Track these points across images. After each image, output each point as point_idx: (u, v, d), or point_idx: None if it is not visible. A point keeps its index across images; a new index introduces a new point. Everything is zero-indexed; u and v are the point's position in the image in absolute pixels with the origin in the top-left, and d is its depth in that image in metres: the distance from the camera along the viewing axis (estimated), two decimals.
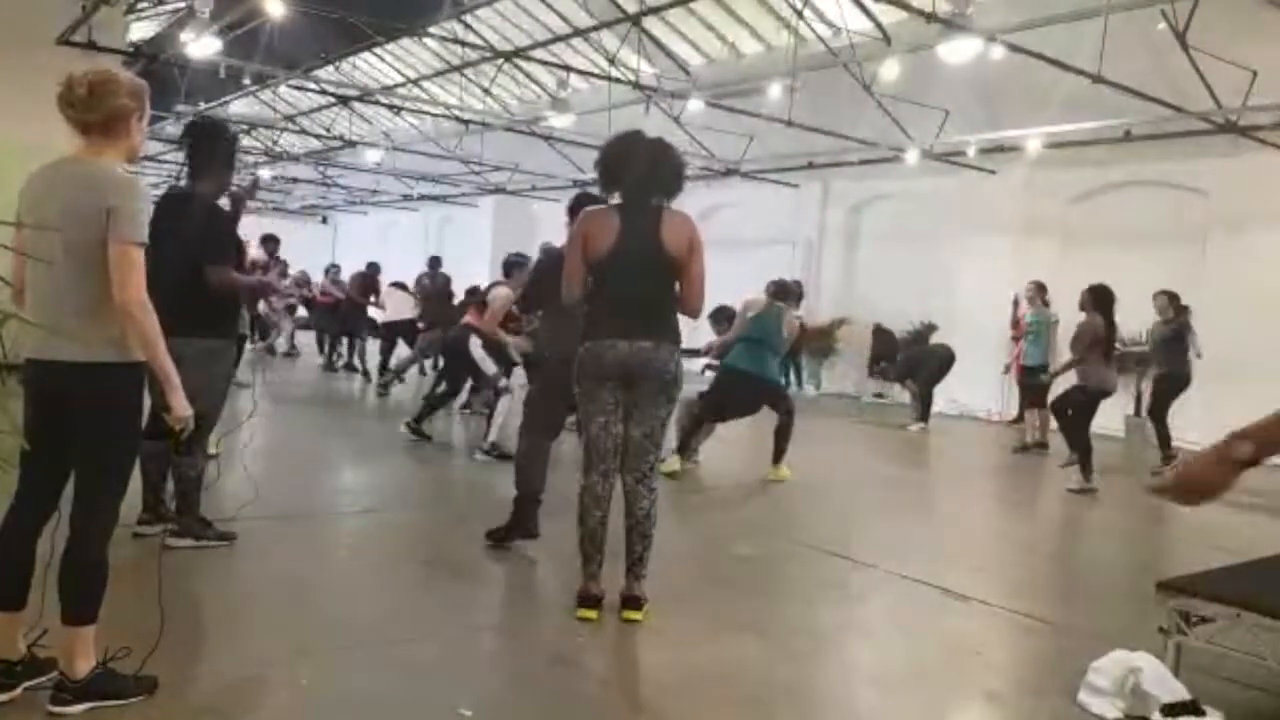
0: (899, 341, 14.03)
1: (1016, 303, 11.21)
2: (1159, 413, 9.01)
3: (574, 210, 4.88)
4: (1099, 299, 7.78)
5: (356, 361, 13.59)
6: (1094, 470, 7.70)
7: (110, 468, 2.71)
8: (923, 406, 11.48)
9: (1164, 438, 8.94)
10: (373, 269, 13.97)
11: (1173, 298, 8.97)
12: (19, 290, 2.70)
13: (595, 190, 4.19)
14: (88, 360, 2.61)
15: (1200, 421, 9.54)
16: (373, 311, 13.41)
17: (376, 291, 13.51)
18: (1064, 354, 10.02)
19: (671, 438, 7.05)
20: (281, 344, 15.63)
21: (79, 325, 2.59)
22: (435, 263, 13.50)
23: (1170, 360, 8.95)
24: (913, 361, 11.99)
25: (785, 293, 7.66)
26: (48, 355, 2.62)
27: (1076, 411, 7.83)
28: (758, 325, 7.22)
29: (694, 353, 7.36)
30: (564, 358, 4.63)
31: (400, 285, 13.24)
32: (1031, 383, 10.14)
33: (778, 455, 7.21)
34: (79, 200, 2.59)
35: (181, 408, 2.73)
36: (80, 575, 2.65)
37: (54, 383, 2.63)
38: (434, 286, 12.50)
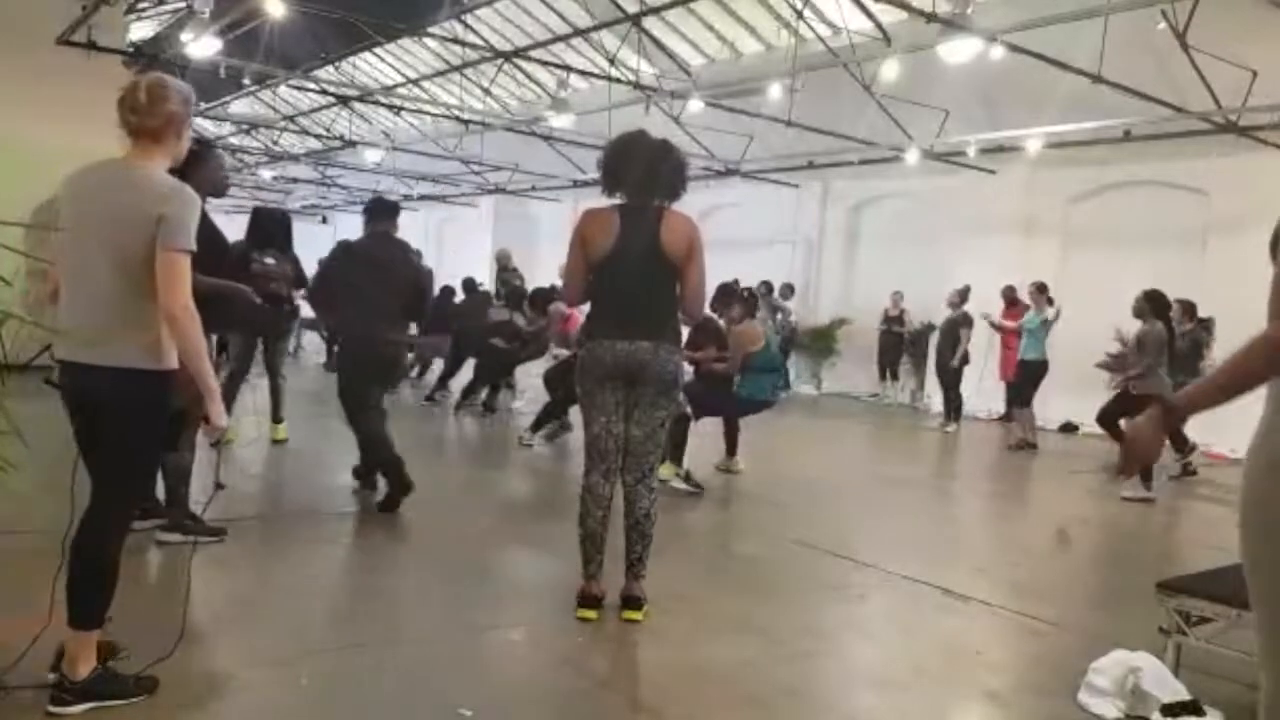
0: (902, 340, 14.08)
1: (1014, 301, 11.23)
2: (1176, 440, 8.86)
3: (369, 212, 5.76)
4: (1157, 305, 7.61)
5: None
6: (1153, 479, 7.54)
7: (132, 473, 2.73)
8: (947, 406, 11.52)
9: (1180, 442, 8.86)
10: None
11: (1187, 308, 8.84)
12: (53, 290, 2.70)
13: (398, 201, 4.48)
14: (121, 366, 2.60)
15: (1199, 422, 9.51)
16: None
17: None
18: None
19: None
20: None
21: (118, 329, 2.59)
22: (417, 255, 13.59)
23: (1185, 372, 8.82)
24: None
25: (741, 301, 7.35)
26: (82, 359, 2.62)
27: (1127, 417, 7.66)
28: (767, 357, 7.11)
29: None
30: (356, 337, 5.47)
31: None
32: (1026, 380, 10.22)
33: (734, 448, 7.37)
34: (128, 204, 2.59)
35: (219, 417, 2.73)
36: (89, 579, 2.65)
37: (86, 386, 2.63)
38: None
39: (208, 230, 4.26)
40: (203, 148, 4.29)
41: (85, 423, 2.68)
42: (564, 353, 9.06)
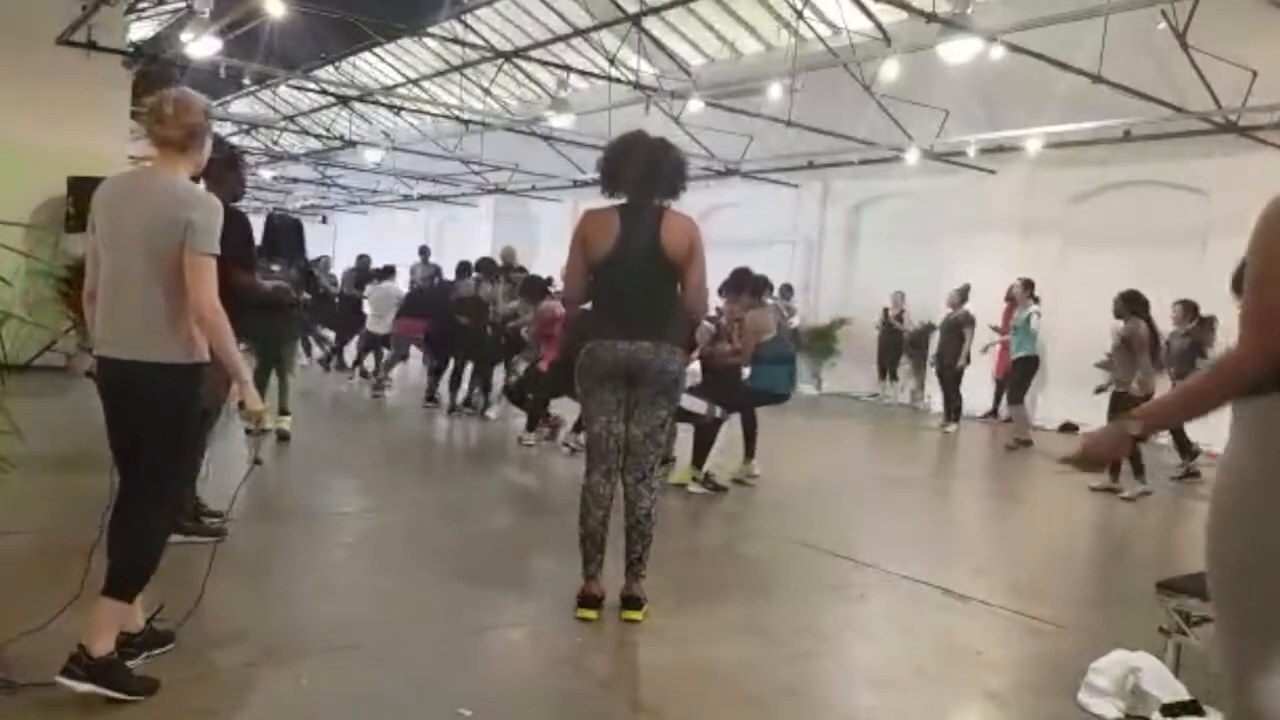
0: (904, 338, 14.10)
1: (1011, 300, 11.23)
2: (1180, 441, 8.83)
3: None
4: (1135, 305, 7.68)
5: (346, 360, 13.07)
6: (1145, 473, 7.63)
7: (172, 457, 2.90)
8: (947, 407, 11.52)
9: (1182, 445, 8.83)
10: (363, 262, 13.60)
11: (1189, 307, 8.83)
12: (90, 291, 2.89)
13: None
14: (158, 360, 2.77)
15: (1199, 422, 9.54)
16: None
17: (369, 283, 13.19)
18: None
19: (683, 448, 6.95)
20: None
21: (154, 326, 2.77)
22: (425, 252, 13.60)
23: (1187, 373, 8.79)
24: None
25: (756, 289, 7.09)
26: (121, 354, 2.79)
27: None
28: (778, 346, 6.88)
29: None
30: None
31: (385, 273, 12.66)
32: (1019, 377, 10.25)
33: (753, 450, 7.07)
34: (159, 210, 2.77)
35: (254, 401, 2.94)
36: (131, 551, 2.80)
37: (126, 380, 2.80)
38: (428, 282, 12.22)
39: (243, 233, 4.33)
40: (229, 154, 4.38)
41: (124, 416, 2.84)
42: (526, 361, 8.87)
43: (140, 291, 2.76)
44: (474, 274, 10.19)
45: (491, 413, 9.72)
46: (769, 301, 7.16)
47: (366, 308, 12.61)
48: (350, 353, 13.34)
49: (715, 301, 7.02)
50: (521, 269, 10.78)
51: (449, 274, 13.82)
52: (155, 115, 2.84)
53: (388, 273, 12.39)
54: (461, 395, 9.89)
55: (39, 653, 2.81)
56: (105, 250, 2.81)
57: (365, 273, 13.38)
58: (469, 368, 10.02)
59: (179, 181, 2.83)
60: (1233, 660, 1.97)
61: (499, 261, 10.76)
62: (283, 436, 7.37)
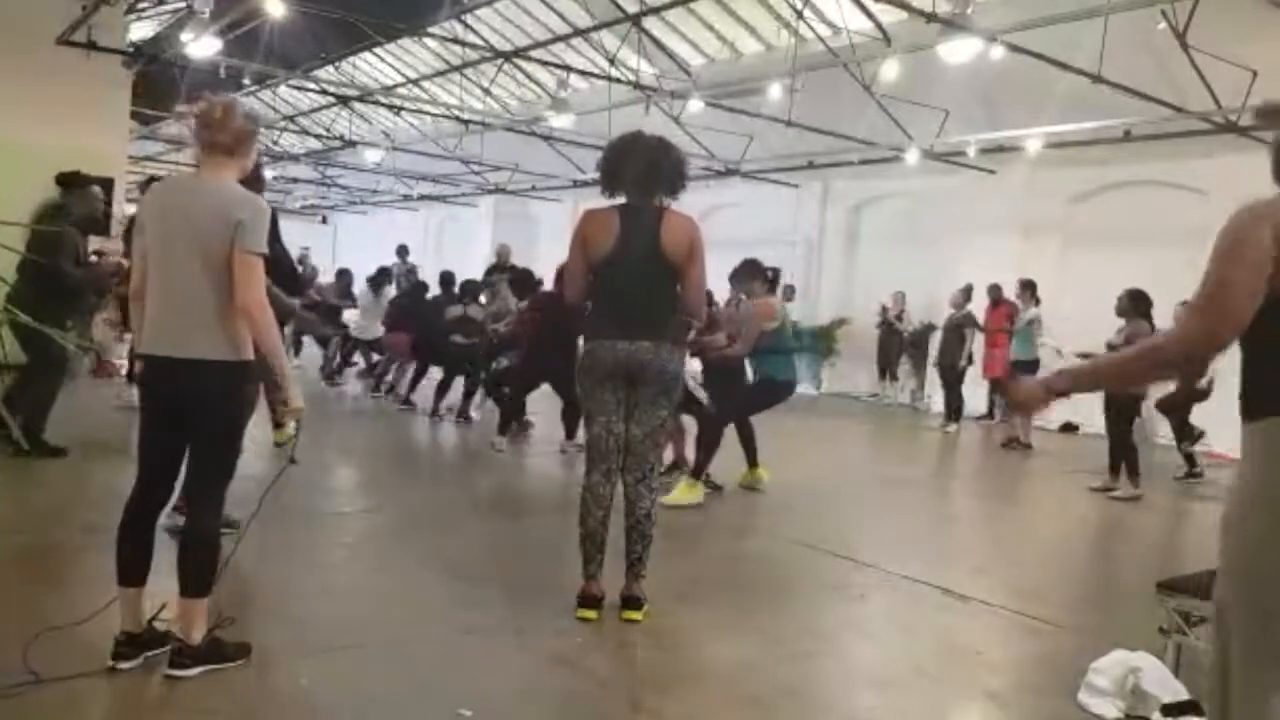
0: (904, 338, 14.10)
1: (997, 302, 11.21)
2: (1182, 430, 8.78)
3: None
4: (1141, 304, 7.65)
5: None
6: (1140, 475, 7.60)
7: (225, 454, 3.02)
8: (948, 407, 11.50)
9: (1189, 454, 8.75)
10: (346, 278, 13.11)
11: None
12: (136, 291, 2.97)
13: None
14: (209, 358, 2.85)
15: (1200, 422, 9.55)
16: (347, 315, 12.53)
17: (352, 296, 12.73)
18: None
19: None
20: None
21: (205, 325, 2.86)
22: (403, 251, 13.36)
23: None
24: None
25: (764, 277, 6.81)
26: (172, 353, 2.87)
27: (1121, 415, 7.61)
28: (782, 335, 6.69)
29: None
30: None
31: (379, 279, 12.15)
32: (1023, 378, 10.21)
33: (754, 455, 6.85)
34: (210, 211, 2.85)
35: (297, 399, 3.03)
36: (199, 551, 2.95)
37: (174, 377, 2.89)
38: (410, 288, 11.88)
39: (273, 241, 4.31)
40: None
41: (171, 415, 2.93)
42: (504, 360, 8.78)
43: (191, 291, 2.84)
44: (461, 299, 10.01)
45: (475, 413, 9.58)
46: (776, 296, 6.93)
47: (348, 316, 12.28)
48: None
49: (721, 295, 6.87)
50: (511, 268, 10.69)
51: (422, 275, 13.55)
52: (204, 120, 2.92)
53: (381, 277, 12.03)
54: (455, 402, 9.79)
55: (60, 648, 2.85)
56: (155, 252, 2.89)
57: (348, 288, 12.93)
58: (460, 377, 9.85)
59: (227, 184, 2.92)
60: (1241, 676, 1.93)
61: (494, 259, 10.69)
62: (278, 444, 7.30)
